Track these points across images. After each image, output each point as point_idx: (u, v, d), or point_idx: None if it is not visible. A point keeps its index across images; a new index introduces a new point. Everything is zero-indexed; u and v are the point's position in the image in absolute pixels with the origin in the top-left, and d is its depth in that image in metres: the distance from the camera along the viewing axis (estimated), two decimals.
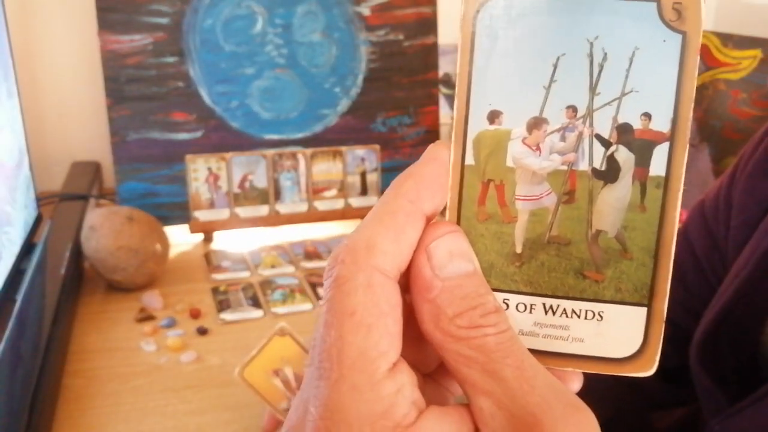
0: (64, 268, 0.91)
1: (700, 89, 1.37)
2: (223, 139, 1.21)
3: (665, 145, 0.22)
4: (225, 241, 1.17)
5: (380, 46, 1.28)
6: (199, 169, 1.15)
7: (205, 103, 1.19)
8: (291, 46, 1.23)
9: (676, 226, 0.23)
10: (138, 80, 1.15)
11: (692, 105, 0.22)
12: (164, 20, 1.16)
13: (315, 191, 1.22)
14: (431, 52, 1.31)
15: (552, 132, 0.23)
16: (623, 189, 0.23)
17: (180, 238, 1.15)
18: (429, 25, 1.30)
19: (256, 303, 0.98)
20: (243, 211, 1.18)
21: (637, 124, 0.22)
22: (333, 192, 1.23)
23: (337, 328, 0.21)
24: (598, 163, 0.23)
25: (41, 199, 1.10)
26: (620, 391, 0.73)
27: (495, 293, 0.23)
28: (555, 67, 0.22)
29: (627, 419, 0.82)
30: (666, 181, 0.22)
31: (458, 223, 0.24)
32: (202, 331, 0.90)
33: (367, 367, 0.20)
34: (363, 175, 1.24)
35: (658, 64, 0.22)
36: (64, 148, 1.33)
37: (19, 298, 0.80)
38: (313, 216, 1.21)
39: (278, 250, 1.14)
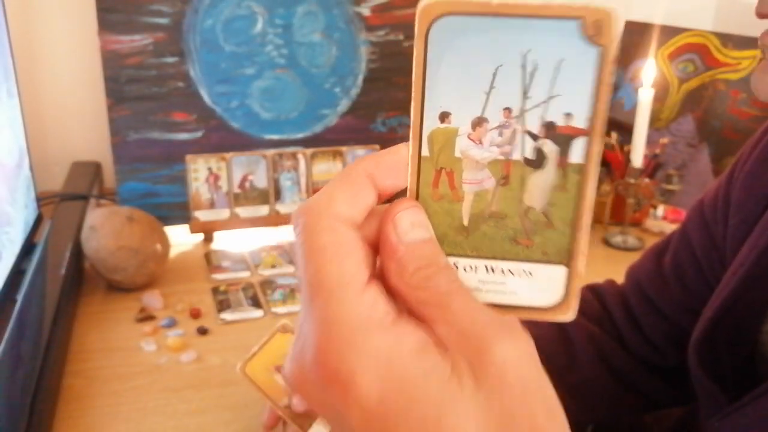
0: (65, 268, 0.91)
1: (700, 89, 1.37)
2: (224, 139, 1.21)
3: (583, 139, 0.27)
4: (225, 241, 1.17)
5: (380, 47, 1.28)
6: (199, 169, 1.15)
7: (206, 104, 1.20)
8: (291, 47, 1.23)
9: (592, 203, 0.27)
10: (138, 80, 1.15)
11: (607, 106, 0.26)
12: (164, 20, 1.16)
13: (315, 191, 1.21)
14: None
15: (492, 129, 0.27)
16: (548, 174, 0.27)
17: (180, 238, 1.15)
18: None
19: (256, 303, 0.98)
20: (243, 211, 1.18)
21: (560, 121, 0.27)
22: None
23: (314, 263, 0.25)
24: (529, 153, 0.27)
25: (42, 199, 1.10)
26: (617, 392, 0.73)
27: (447, 257, 0.29)
28: (494, 76, 0.26)
29: (624, 419, 0.82)
30: (583, 168, 0.27)
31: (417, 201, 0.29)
32: (203, 331, 0.90)
33: (346, 286, 0.25)
34: None
35: (579, 73, 0.26)
36: (65, 148, 1.33)
37: (20, 298, 0.80)
38: None
39: (278, 250, 1.14)
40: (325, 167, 1.22)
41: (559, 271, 0.28)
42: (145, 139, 1.17)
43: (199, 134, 1.20)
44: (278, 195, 1.20)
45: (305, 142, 1.25)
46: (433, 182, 0.28)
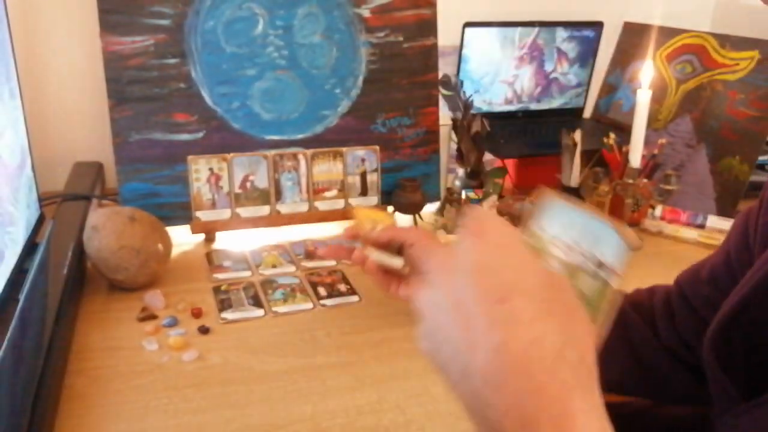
0: (67, 268, 0.91)
1: (698, 90, 1.38)
2: (225, 139, 1.21)
3: (610, 271, 0.53)
4: (226, 241, 1.18)
5: (380, 48, 1.28)
6: (200, 170, 1.16)
7: (207, 104, 1.20)
8: (292, 48, 1.24)
9: (613, 303, 0.53)
10: (140, 81, 1.16)
11: (625, 261, 0.53)
12: (166, 22, 1.17)
13: (316, 191, 1.22)
14: (431, 54, 1.32)
15: (573, 255, 0.55)
16: (597, 282, 0.54)
17: (182, 238, 1.15)
18: (428, 26, 1.31)
19: (257, 302, 0.98)
20: (244, 212, 1.19)
21: (605, 260, 0.54)
22: (333, 192, 1.24)
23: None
24: (589, 270, 0.54)
25: (44, 200, 1.11)
26: (630, 367, 0.75)
27: None
28: (573, 228, 0.56)
29: (639, 411, 0.82)
30: (611, 288, 0.53)
31: None
32: (204, 330, 0.90)
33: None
34: (363, 175, 1.25)
35: (614, 245, 0.54)
36: (67, 148, 1.33)
37: (22, 297, 0.81)
38: (313, 216, 1.22)
39: (279, 249, 1.15)
40: (325, 167, 1.23)
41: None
42: (146, 140, 1.17)
43: (200, 135, 1.20)
44: (279, 195, 1.20)
45: (306, 143, 1.26)
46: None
